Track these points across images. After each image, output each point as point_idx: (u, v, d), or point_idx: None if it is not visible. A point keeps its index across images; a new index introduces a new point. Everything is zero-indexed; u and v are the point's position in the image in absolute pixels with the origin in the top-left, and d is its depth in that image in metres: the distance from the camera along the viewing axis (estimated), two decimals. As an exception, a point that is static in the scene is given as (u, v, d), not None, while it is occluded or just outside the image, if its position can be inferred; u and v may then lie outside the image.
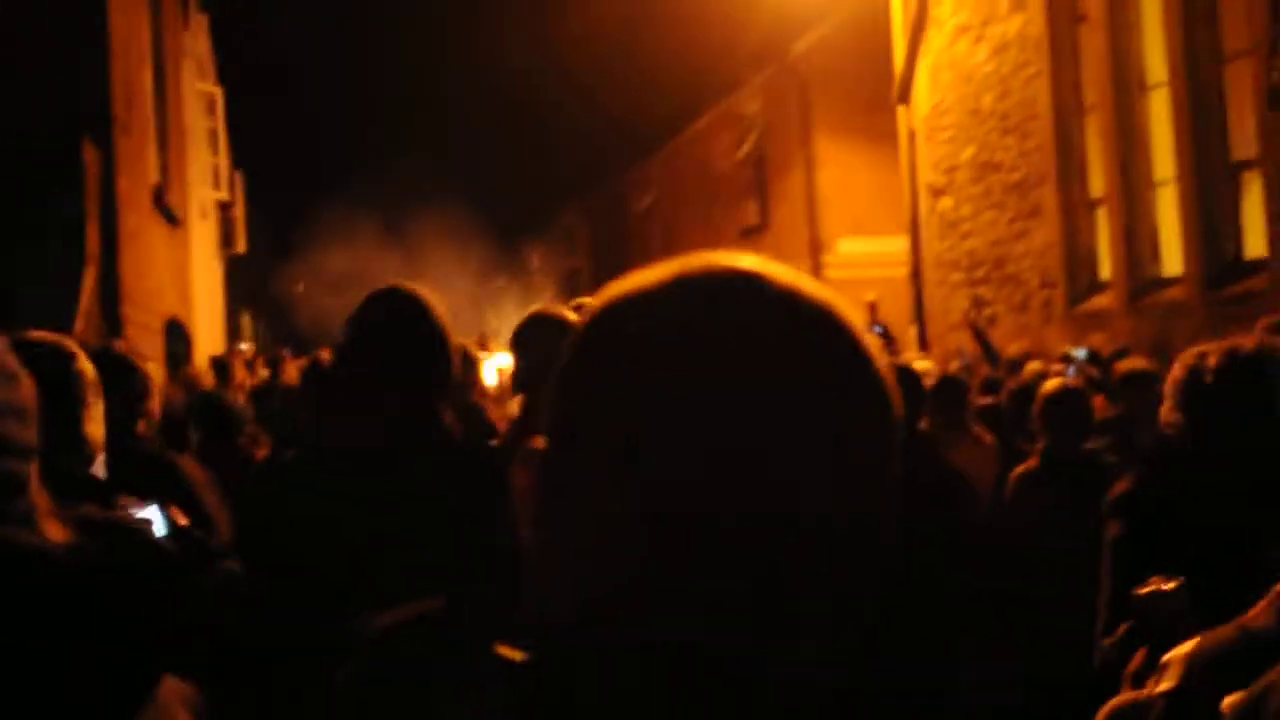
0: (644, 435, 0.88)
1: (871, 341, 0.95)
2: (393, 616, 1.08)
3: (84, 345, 2.89)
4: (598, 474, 0.90)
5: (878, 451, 0.92)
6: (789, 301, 0.93)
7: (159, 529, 2.66)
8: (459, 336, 3.60)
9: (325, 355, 8.13)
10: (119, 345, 4.47)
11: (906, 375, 4.86)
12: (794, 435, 0.88)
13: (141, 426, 3.59)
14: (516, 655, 0.93)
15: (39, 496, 1.46)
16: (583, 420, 0.93)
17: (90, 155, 9.95)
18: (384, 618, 1.08)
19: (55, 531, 1.45)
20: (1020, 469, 5.37)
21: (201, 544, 2.96)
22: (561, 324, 3.58)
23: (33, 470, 1.47)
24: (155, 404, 3.70)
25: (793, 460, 0.88)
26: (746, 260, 0.97)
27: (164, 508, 2.75)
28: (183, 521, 2.85)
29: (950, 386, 7.05)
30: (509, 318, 36.70)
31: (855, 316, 0.96)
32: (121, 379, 3.39)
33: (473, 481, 3.02)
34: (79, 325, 8.94)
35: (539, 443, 0.98)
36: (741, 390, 0.88)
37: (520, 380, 3.82)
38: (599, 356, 0.94)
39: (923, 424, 5.50)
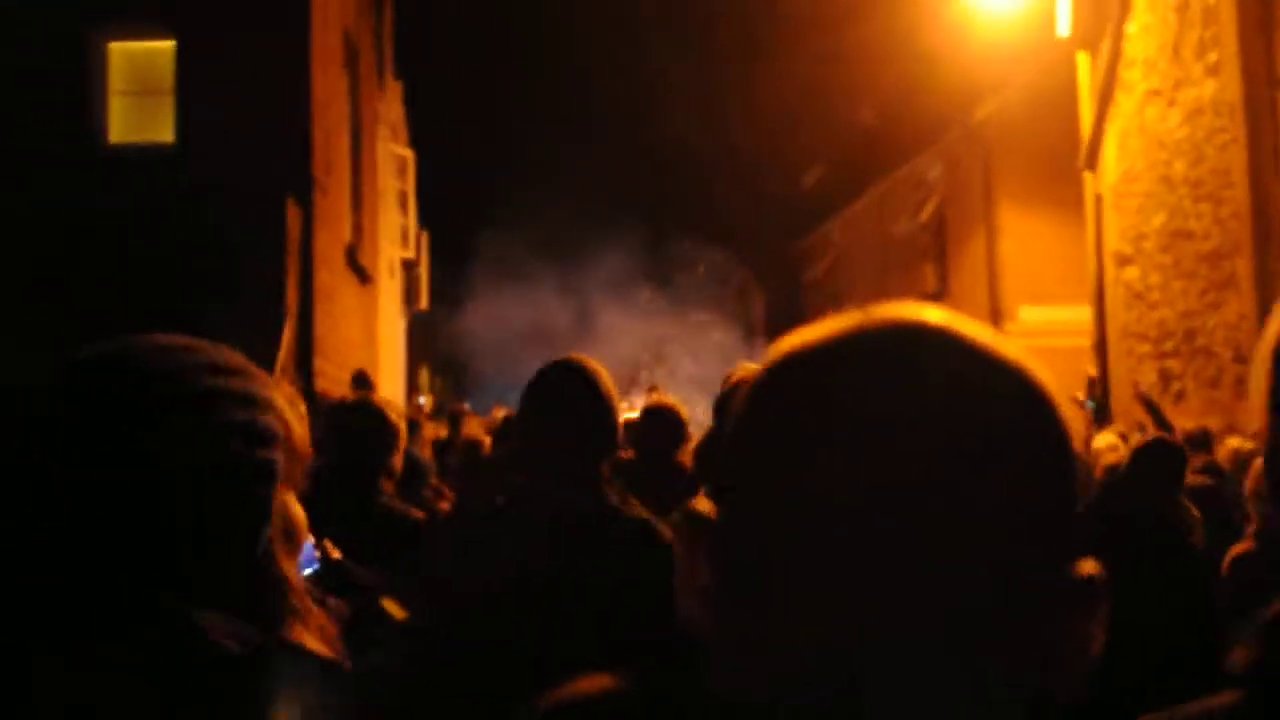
0: (831, 495, 0.82)
1: (1066, 406, 0.89)
2: (575, 690, 1.06)
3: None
4: (784, 537, 0.83)
5: (1056, 522, 0.85)
6: (981, 359, 0.87)
7: (308, 564, 2.76)
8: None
9: (499, 414, 8.32)
10: (375, 396, 4.58)
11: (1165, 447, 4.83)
12: (979, 501, 0.81)
13: (388, 484, 3.69)
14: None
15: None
16: (764, 481, 0.86)
17: (292, 215, 10.40)
18: (564, 691, 1.06)
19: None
20: (1238, 549, 5.13)
21: (350, 577, 3.05)
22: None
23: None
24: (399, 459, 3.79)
25: (975, 531, 0.81)
26: (933, 313, 0.90)
27: (318, 542, 2.85)
28: (336, 556, 2.95)
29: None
30: (674, 374, 36.92)
31: (1047, 377, 0.89)
32: (376, 432, 3.57)
33: (644, 551, 3.07)
34: (275, 378, 9.32)
35: (703, 505, 0.93)
36: (929, 451, 0.81)
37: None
38: (778, 412, 0.88)
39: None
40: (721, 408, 3.76)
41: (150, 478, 1.28)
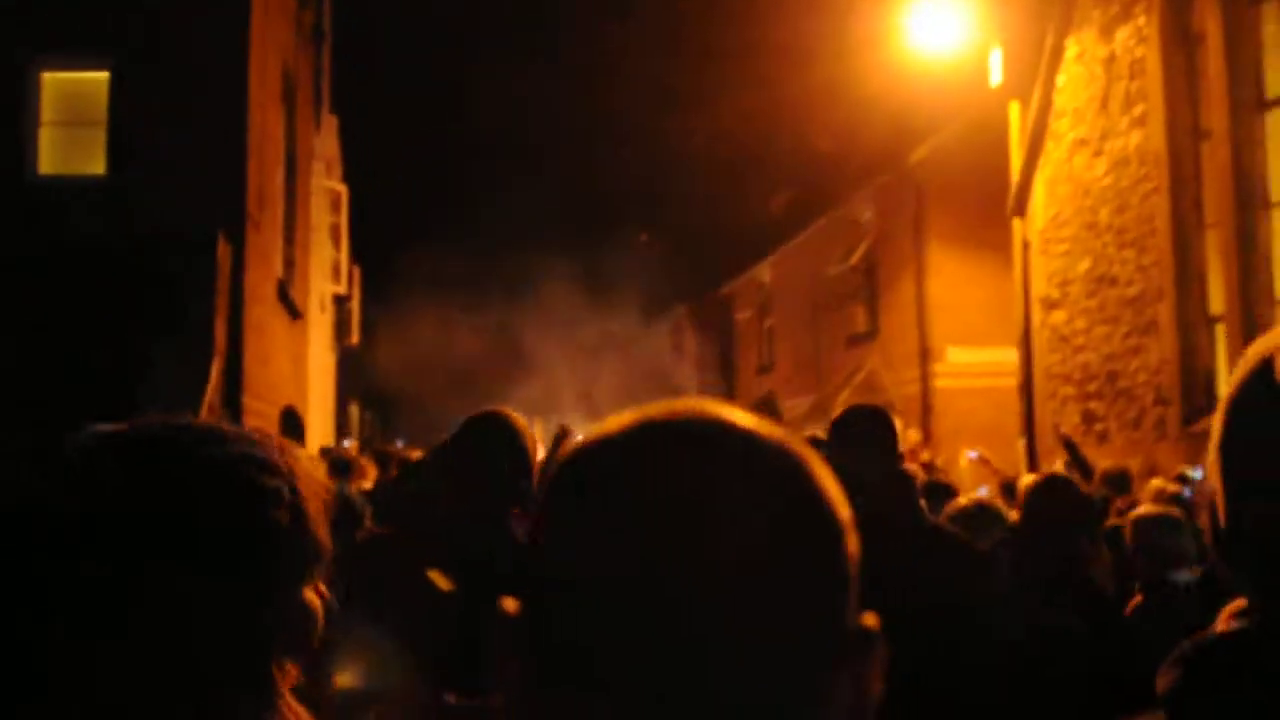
0: (591, 580, 0.86)
1: (832, 488, 0.94)
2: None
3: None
4: (579, 626, 0.87)
5: (825, 597, 0.90)
6: (748, 445, 0.92)
7: None
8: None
9: (413, 455, 8.28)
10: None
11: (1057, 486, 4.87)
12: (743, 584, 0.86)
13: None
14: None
15: None
16: (560, 574, 0.90)
17: (223, 250, 10.32)
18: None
19: None
20: (1132, 604, 5.19)
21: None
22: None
23: None
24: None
25: (742, 612, 0.85)
26: (708, 405, 0.96)
27: None
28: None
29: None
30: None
31: (815, 461, 0.94)
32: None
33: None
34: (203, 415, 9.21)
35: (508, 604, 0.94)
36: (705, 537, 0.86)
37: None
38: (562, 502, 0.92)
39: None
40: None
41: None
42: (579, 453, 0.94)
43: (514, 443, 3.56)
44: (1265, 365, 1.23)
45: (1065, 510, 4.95)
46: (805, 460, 0.93)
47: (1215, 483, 1.29)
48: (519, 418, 3.66)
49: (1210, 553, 1.28)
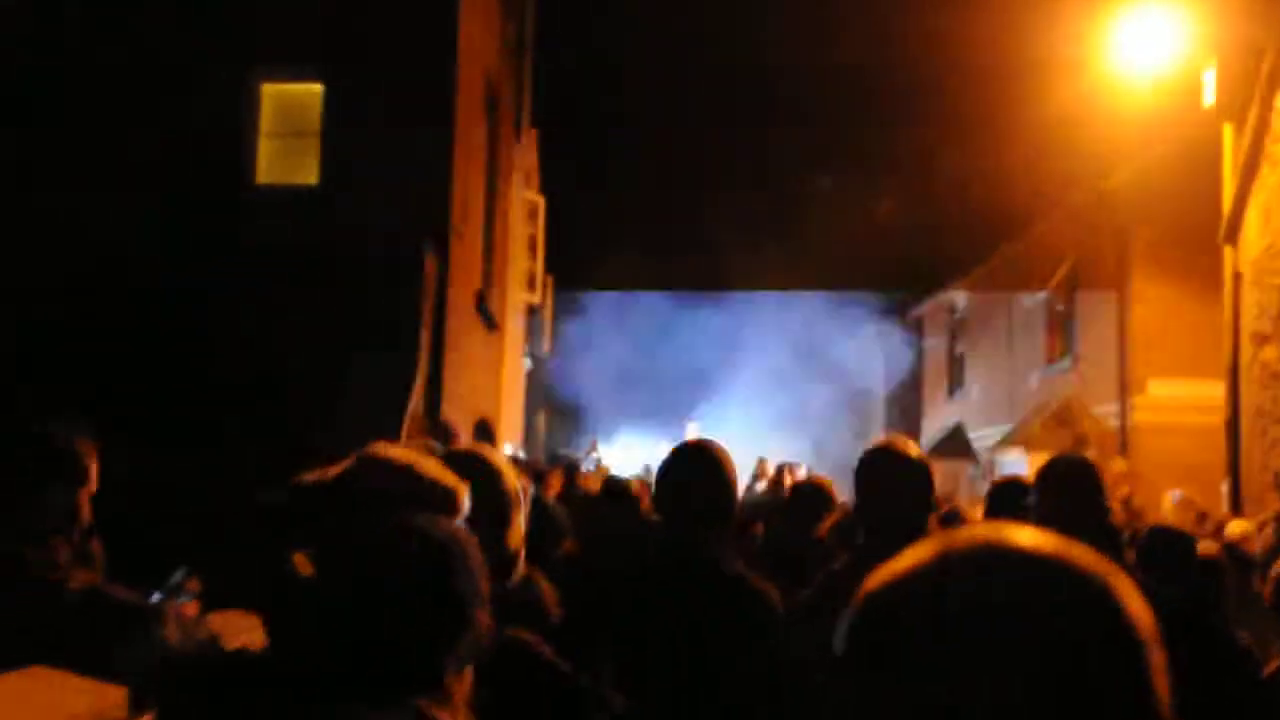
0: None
1: (1139, 609, 0.99)
2: None
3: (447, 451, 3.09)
4: None
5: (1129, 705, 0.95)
6: (1057, 579, 0.98)
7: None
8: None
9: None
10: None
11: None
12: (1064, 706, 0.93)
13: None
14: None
15: None
16: (873, 701, 0.98)
17: (429, 263, 10.59)
18: None
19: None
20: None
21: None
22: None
23: None
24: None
25: None
26: (1015, 534, 1.02)
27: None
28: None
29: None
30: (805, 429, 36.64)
31: (1124, 586, 0.99)
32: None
33: (748, 610, 3.49)
34: (406, 425, 9.48)
35: None
36: (1013, 670, 0.93)
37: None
38: (875, 641, 1.00)
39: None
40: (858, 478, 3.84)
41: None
42: (885, 588, 1.03)
43: (718, 474, 3.68)
44: None
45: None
46: (1110, 582, 0.99)
47: None
48: (721, 448, 3.80)
49: None
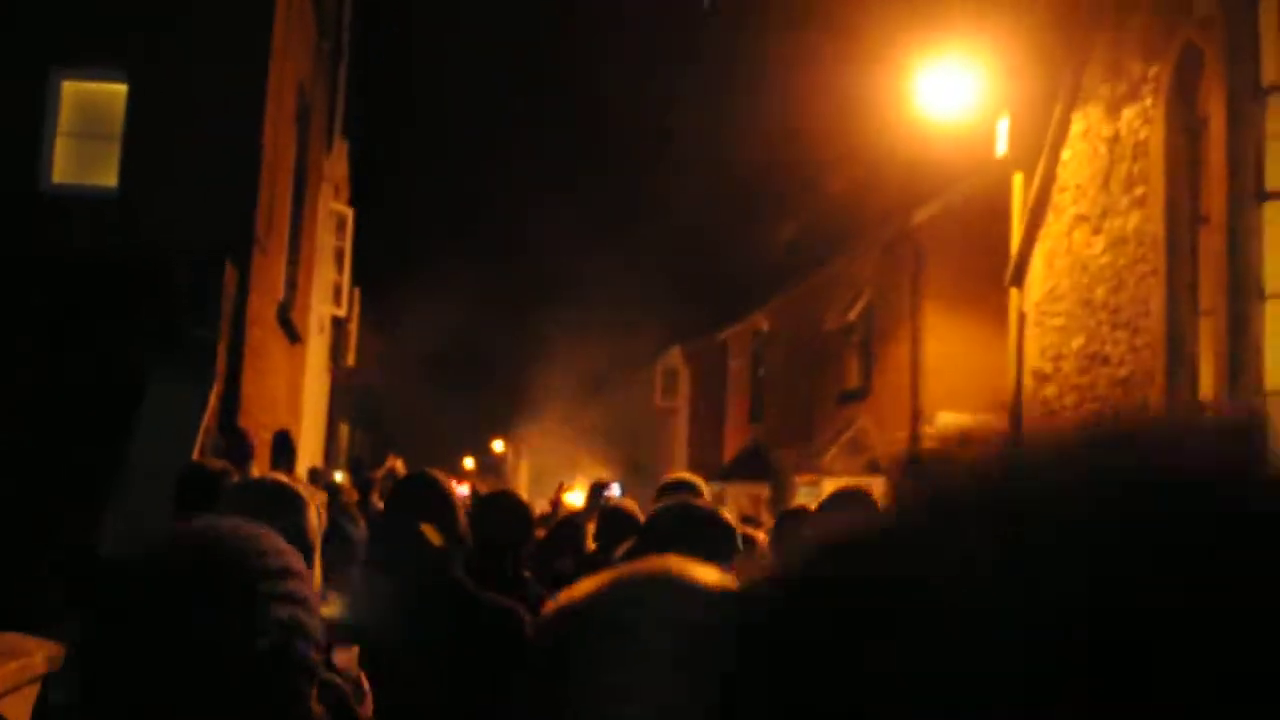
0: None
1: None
2: None
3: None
4: None
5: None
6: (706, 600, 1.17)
7: None
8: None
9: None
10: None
11: None
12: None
13: None
14: None
15: None
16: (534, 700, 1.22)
17: (229, 275, 10.40)
18: None
19: None
20: None
21: None
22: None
23: None
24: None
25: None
26: (663, 563, 1.25)
27: None
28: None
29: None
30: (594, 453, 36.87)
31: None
32: None
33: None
34: (199, 439, 9.29)
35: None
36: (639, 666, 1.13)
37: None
38: (551, 649, 1.23)
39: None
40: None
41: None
42: (568, 610, 1.24)
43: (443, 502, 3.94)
44: None
45: None
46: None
47: None
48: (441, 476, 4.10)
49: None
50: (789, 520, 5.84)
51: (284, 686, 1.51)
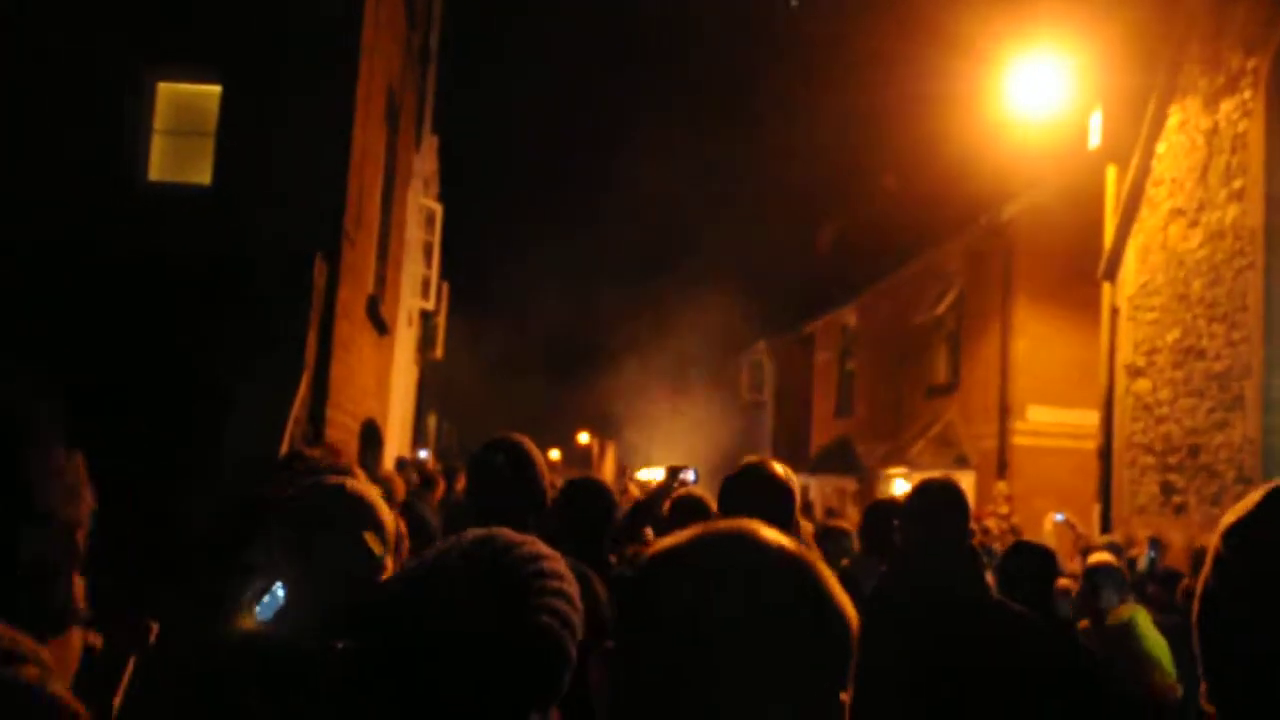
0: (674, 646, 1.27)
1: (834, 583, 1.33)
2: None
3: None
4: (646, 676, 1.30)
5: (826, 671, 1.28)
6: (774, 554, 1.32)
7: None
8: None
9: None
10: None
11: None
12: (771, 652, 1.25)
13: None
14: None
15: None
16: (640, 636, 1.32)
17: (319, 267, 10.57)
18: None
19: None
20: None
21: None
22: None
23: None
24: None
25: (769, 675, 1.25)
26: (751, 524, 1.38)
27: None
28: None
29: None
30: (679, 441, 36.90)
31: (820, 565, 1.35)
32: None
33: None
34: (288, 429, 9.46)
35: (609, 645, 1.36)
36: (741, 622, 1.26)
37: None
38: (653, 600, 1.34)
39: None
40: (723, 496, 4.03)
41: None
42: (660, 558, 1.38)
43: (528, 469, 3.95)
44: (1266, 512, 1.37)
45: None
46: (813, 566, 1.34)
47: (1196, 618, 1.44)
48: (526, 441, 4.06)
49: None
50: (874, 512, 5.82)
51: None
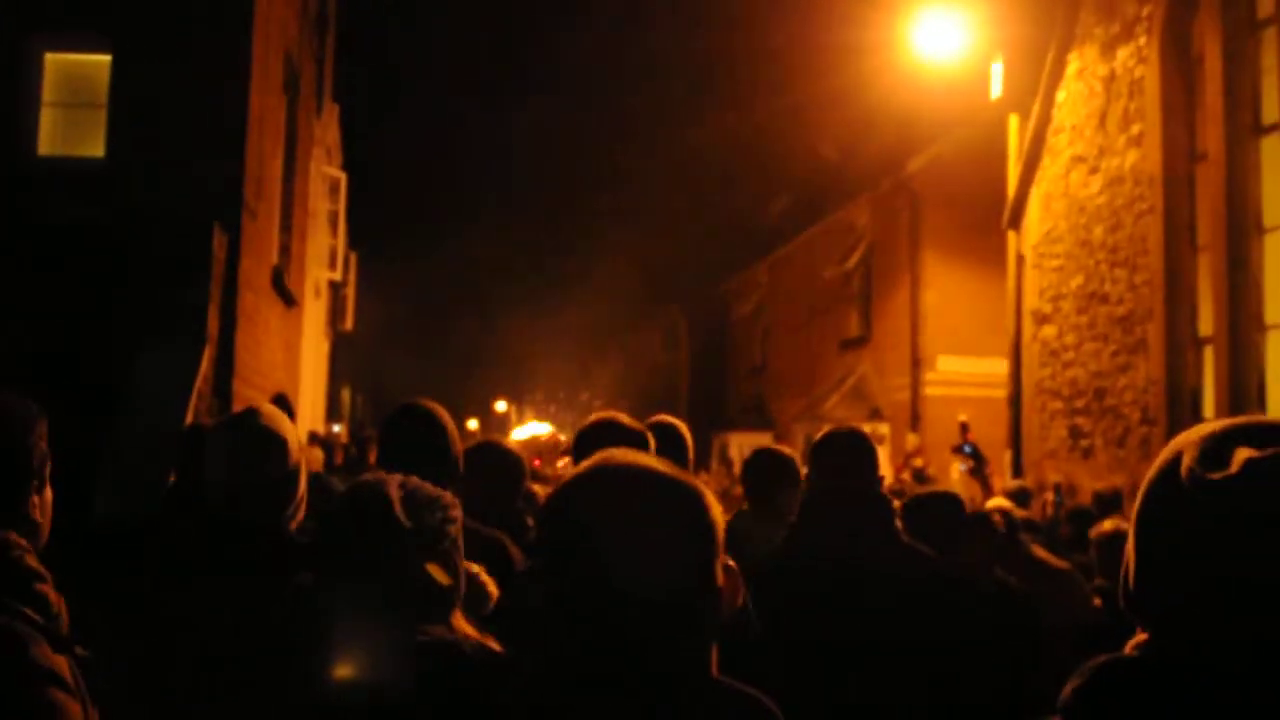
0: (575, 550, 1.54)
1: (698, 487, 1.62)
2: None
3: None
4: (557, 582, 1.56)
5: (696, 553, 1.56)
6: (647, 475, 1.60)
7: None
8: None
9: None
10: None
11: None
12: (665, 569, 1.53)
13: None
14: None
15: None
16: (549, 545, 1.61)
17: (219, 241, 10.36)
18: None
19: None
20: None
21: None
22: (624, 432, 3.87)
23: None
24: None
25: (652, 558, 1.51)
26: (633, 455, 1.65)
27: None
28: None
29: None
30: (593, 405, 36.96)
31: (697, 485, 1.63)
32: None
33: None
34: (192, 402, 9.28)
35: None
36: (633, 539, 1.52)
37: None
38: (560, 513, 1.61)
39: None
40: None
41: None
42: (566, 486, 1.63)
43: (440, 435, 3.88)
44: (1173, 462, 1.36)
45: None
46: (695, 488, 1.62)
47: (1130, 551, 1.41)
48: (442, 412, 3.98)
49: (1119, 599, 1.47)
50: (757, 457, 5.65)
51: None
